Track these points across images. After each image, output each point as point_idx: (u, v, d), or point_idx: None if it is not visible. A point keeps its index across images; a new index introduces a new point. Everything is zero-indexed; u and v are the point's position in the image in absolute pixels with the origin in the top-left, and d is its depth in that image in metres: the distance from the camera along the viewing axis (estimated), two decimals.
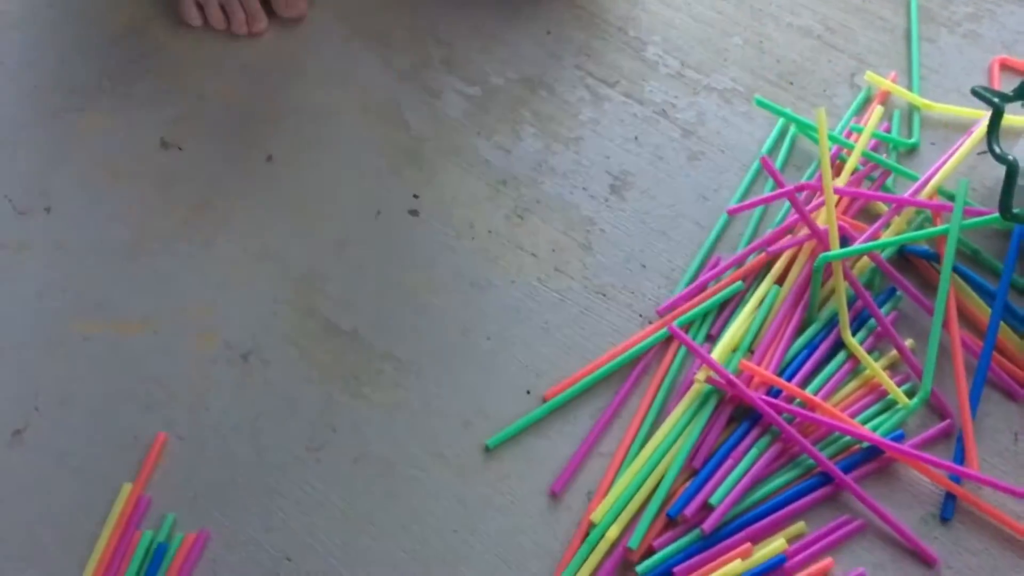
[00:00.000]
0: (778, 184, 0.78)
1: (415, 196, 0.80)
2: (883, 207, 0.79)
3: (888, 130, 0.84)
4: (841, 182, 0.79)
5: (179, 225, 0.78)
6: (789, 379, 0.72)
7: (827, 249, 0.74)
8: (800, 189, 0.78)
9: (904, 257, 0.77)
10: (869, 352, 0.73)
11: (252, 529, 0.66)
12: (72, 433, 0.69)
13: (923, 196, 0.78)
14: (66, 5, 0.87)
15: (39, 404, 0.70)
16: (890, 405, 0.71)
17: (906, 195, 0.78)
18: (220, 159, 0.81)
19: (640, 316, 0.76)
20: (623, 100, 0.86)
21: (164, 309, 0.74)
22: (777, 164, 0.82)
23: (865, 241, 0.76)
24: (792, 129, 0.84)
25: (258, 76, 0.84)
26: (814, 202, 0.79)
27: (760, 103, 0.84)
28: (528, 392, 0.72)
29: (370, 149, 0.82)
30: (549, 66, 0.87)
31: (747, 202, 0.79)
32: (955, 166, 0.80)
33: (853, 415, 0.70)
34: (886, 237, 0.76)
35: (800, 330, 0.74)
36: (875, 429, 0.70)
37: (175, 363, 0.72)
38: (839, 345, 0.73)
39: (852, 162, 0.80)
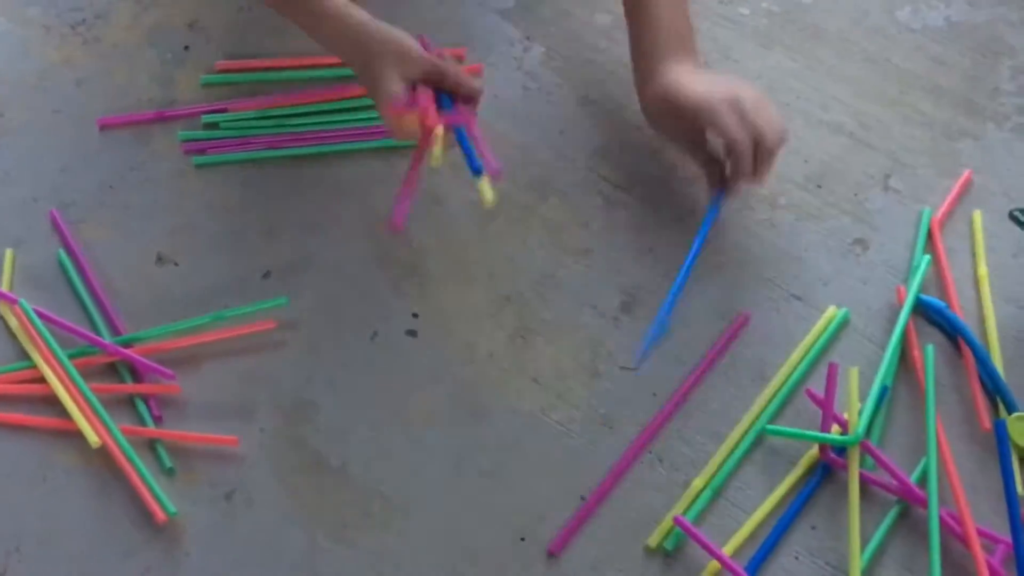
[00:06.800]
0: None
1: (414, 315, 0.76)
2: None
3: None
4: None
5: None
6: None
7: None
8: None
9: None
10: None
11: None
12: None
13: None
14: (72, 111, 0.86)
15: (20, 544, 0.68)
16: None
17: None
18: (215, 274, 0.78)
19: (650, 453, 0.71)
20: (639, 206, 0.81)
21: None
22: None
23: None
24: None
25: (257, 188, 0.82)
26: None
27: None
28: (523, 539, 0.68)
29: (370, 263, 0.79)
30: (561, 169, 0.83)
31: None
32: None
33: None
34: None
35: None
36: None
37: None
38: None
39: None
